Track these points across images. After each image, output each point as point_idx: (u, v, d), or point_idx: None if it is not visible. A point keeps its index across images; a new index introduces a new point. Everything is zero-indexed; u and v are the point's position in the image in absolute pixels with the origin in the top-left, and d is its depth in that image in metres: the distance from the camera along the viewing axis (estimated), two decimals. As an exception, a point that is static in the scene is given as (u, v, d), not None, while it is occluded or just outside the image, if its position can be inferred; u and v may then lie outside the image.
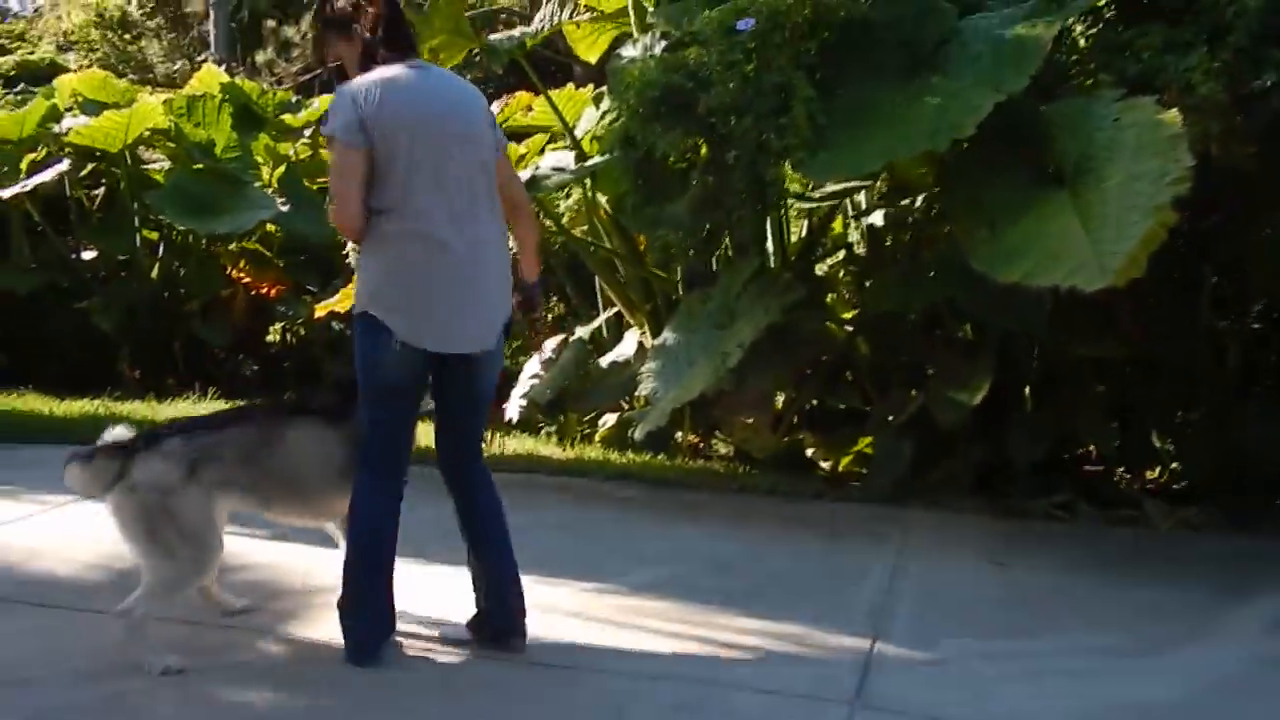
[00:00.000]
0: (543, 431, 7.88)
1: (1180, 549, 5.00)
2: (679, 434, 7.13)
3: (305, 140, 10.28)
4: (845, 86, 5.18)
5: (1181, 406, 6.06)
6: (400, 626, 3.44)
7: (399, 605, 3.41)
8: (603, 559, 4.46)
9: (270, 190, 9.55)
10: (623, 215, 7.26)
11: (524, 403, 7.11)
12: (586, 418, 7.73)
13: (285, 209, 9.21)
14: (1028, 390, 6.30)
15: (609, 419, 7.34)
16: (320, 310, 8.13)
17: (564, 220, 8.14)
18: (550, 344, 7.39)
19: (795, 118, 4.91)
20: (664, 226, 5.78)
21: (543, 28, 7.34)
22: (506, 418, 7.24)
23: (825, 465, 6.69)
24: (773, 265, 6.51)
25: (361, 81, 3.28)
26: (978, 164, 5.06)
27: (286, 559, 4.33)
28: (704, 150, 5.50)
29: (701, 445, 7.31)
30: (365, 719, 3.02)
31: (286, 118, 10.49)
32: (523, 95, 8.42)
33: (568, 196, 8.34)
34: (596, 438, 7.27)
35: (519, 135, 8.64)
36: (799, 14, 5.04)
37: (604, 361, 7.26)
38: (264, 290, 9.73)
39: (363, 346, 3.33)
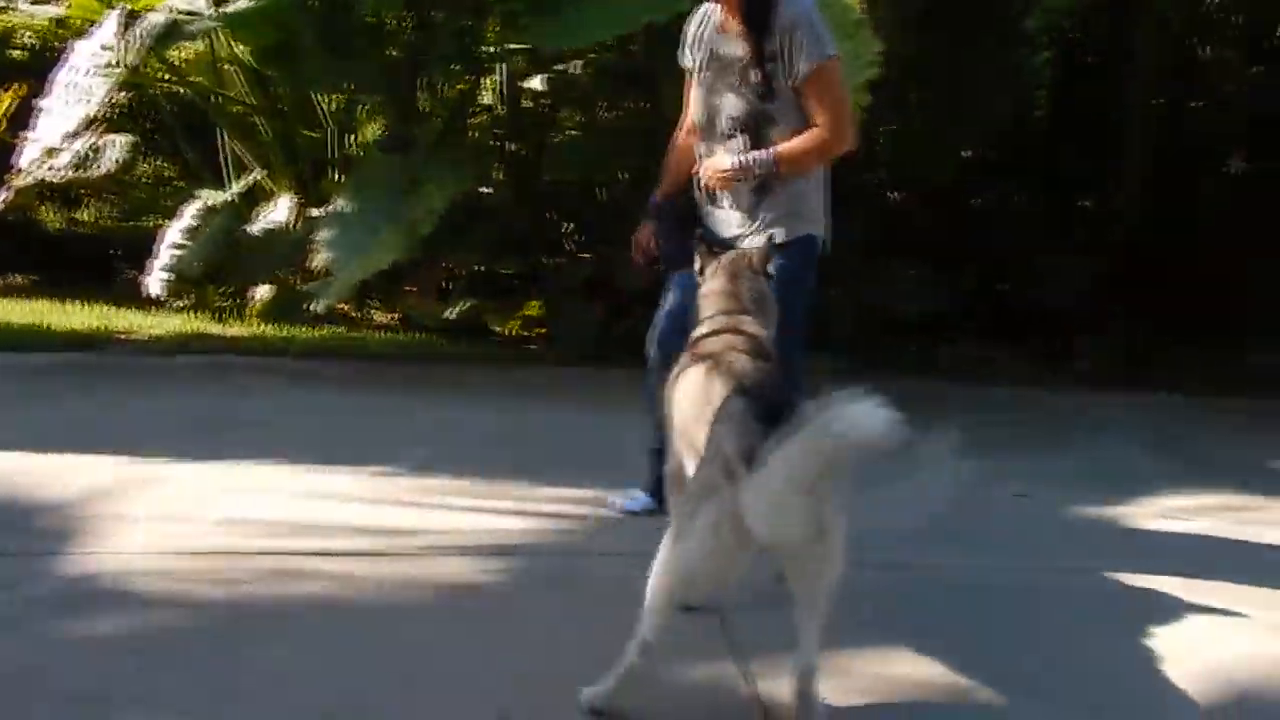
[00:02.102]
0: (169, 306, 7.16)
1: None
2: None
3: None
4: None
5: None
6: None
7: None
8: (366, 441, 4.29)
9: None
10: (271, 67, 6.72)
11: (167, 276, 6.48)
12: (227, 289, 7.19)
13: None
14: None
15: (263, 291, 6.88)
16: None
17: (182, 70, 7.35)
18: (190, 209, 6.74)
19: (517, -21, 4.81)
20: (353, 86, 5.43)
21: None
22: (147, 292, 6.58)
23: (499, 330, 6.78)
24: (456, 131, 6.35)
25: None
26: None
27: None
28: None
29: (359, 315, 7.11)
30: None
31: None
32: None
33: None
34: (251, 311, 6.79)
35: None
36: None
37: (254, 229, 6.75)
38: None
39: (808, 268, 3.12)
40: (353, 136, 7.28)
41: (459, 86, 6.82)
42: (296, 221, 6.77)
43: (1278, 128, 6.86)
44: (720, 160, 3.10)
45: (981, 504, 4.04)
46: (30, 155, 6.01)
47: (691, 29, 3.23)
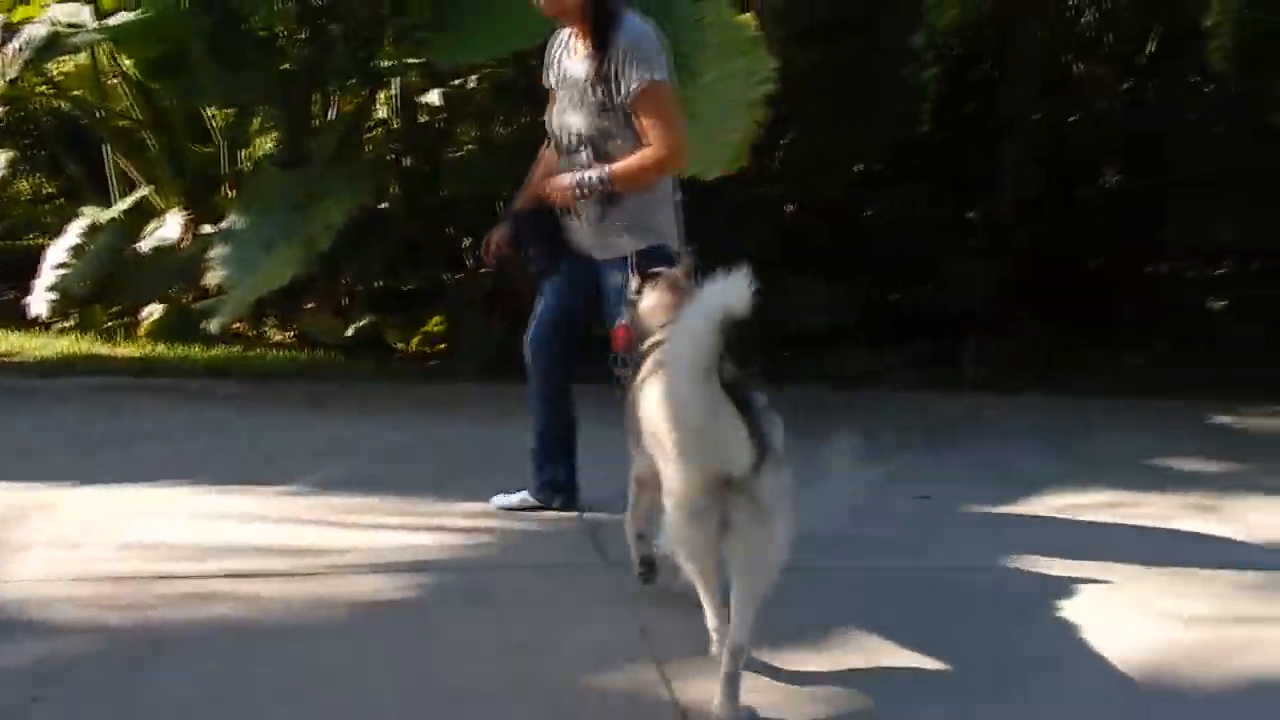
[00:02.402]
0: (54, 328, 6.93)
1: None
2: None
3: None
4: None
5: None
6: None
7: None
8: (265, 460, 4.21)
9: None
10: (158, 80, 6.55)
11: (53, 296, 6.28)
12: (113, 309, 6.98)
13: None
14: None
15: (153, 310, 6.69)
16: None
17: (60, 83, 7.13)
18: (75, 227, 6.54)
19: (413, -5, 4.80)
20: (247, 100, 5.34)
21: None
22: (31, 313, 6.36)
23: (400, 346, 6.71)
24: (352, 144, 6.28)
25: (649, 27, 3.23)
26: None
27: None
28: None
29: (255, 333, 6.97)
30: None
31: None
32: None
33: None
34: (142, 331, 6.59)
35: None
36: None
37: (144, 246, 6.57)
38: None
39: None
40: (243, 151, 7.15)
41: (354, 100, 6.76)
42: (186, 238, 6.62)
43: (1148, 143, 7.19)
44: (561, 178, 3.32)
45: (884, 507, 4.14)
46: (-99, 172, 5.75)
47: (551, 51, 3.44)
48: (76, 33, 6.11)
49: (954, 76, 6.26)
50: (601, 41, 3.20)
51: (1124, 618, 3.04)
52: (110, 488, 3.82)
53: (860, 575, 3.44)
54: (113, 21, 6.18)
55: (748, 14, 5.26)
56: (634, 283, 2.99)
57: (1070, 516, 4.12)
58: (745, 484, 2.28)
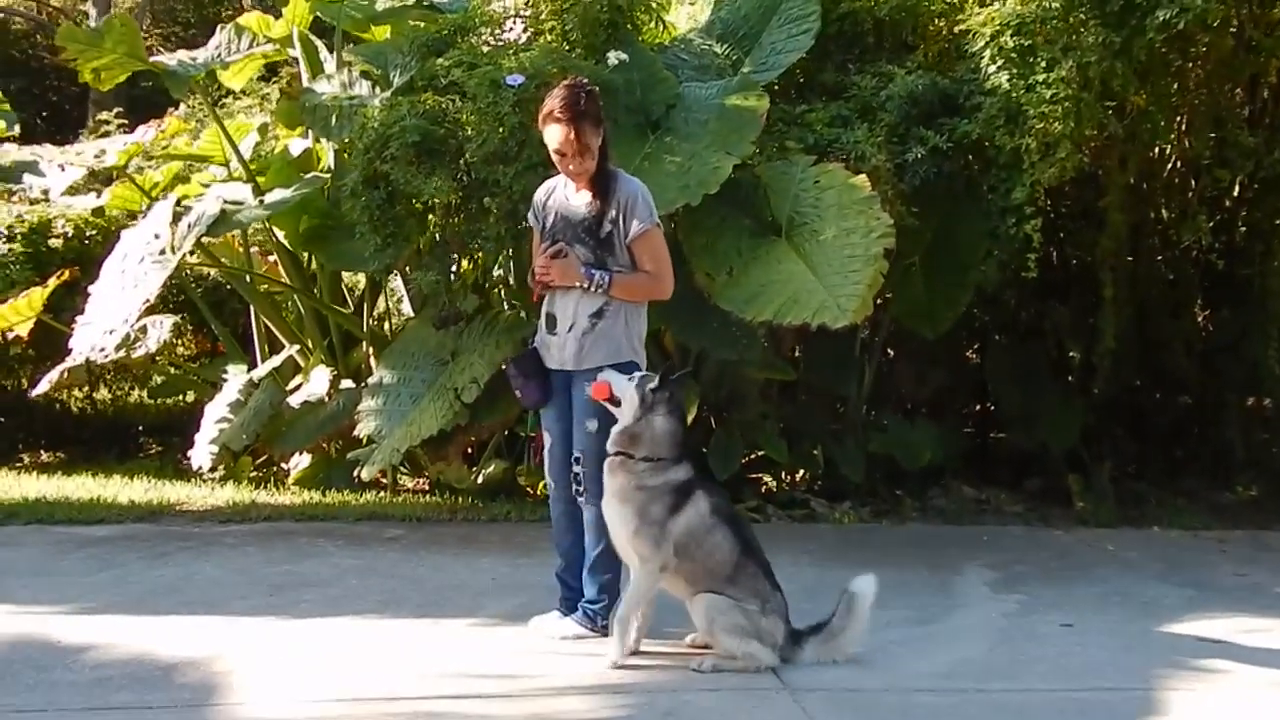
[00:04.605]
0: (205, 479, 7.37)
1: (869, 538, 6.04)
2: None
3: None
4: (592, 143, 5.66)
5: (832, 420, 7.21)
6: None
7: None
8: (442, 597, 4.55)
9: None
10: (311, 249, 7.18)
11: (214, 449, 6.76)
12: (261, 460, 7.45)
13: None
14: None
15: (301, 460, 7.15)
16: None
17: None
18: (234, 385, 7.07)
19: (564, 170, 5.33)
20: (417, 269, 5.92)
21: (219, 55, 7.02)
22: (195, 465, 6.84)
23: (530, 489, 7.07)
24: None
25: (640, 183, 4.10)
26: (709, 216, 5.76)
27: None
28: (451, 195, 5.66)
29: (388, 482, 7.36)
30: None
31: None
32: (176, 121, 7.91)
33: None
34: (290, 480, 7.04)
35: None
36: (559, 76, 5.45)
37: (294, 401, 7.08)
38: None
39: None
40: (377, 311, 7.68)
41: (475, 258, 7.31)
42: (331, 393, 7.10)
43: (1228, 280, 7.50)
44: (568, 262, 3.99)
45: (1028, 634, 4.37)
46: (87, 339, 6.30)
47: (540, 197, 4.24)
48: (240, 209, 6.74)
49: (1051, 226, 6.64)
50: (604, 193, 3.99)
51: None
52: (308, 621, 4.18)
53: (1006, 697, 3.68)
54: (272, 198, 6.82)
55: (862, 175, 5.70)
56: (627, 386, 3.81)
57: (1207, 638, 4.32)
58: None
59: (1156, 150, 7.03)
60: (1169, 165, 7.23)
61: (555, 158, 4.01)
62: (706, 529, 3.76)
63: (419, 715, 3.28)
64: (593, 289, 3.94)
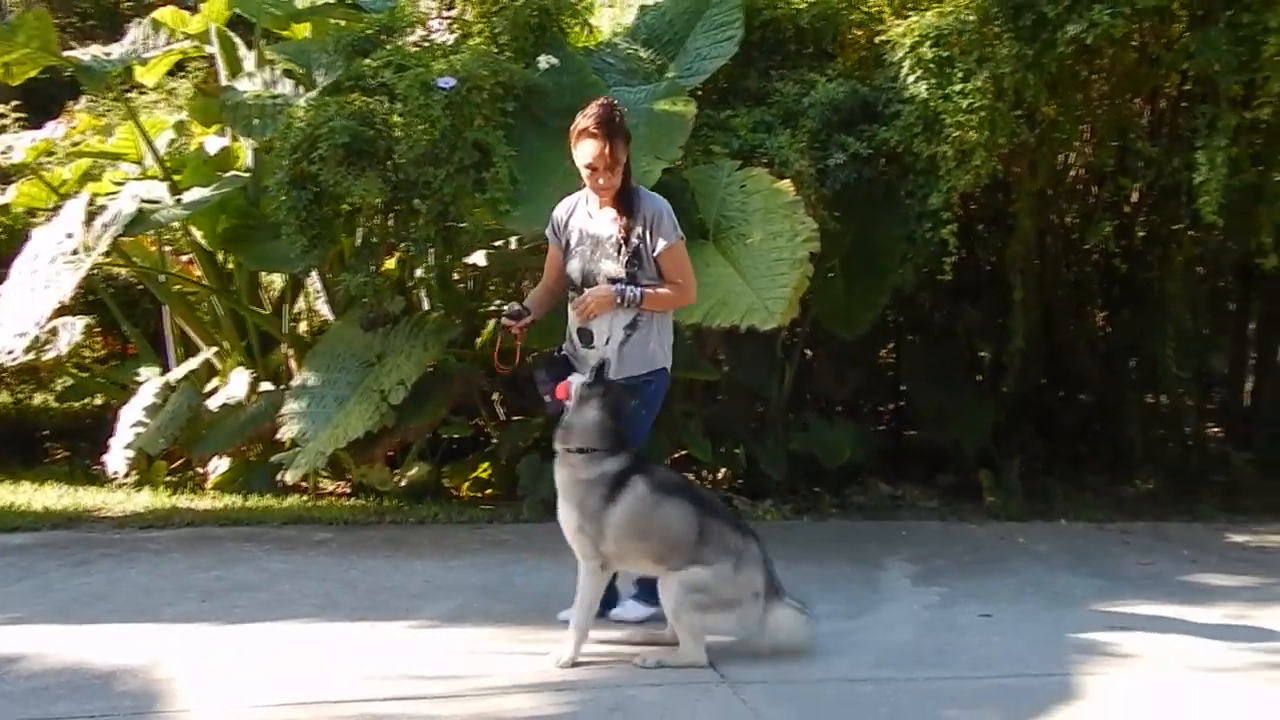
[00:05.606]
0: (119, 484, 7.19)
1: (791, 534, 6.17)
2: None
3: None
4: (523, 146, 5.69)
5: (754, 419, 7.35)
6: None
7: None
8: (377, 600, 4.54)
9: None
10: (231, 250, 7.07)
11: (130, 453, 6.62)
12: (177, 464, 7.31)
13: None
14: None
15: (219, 464, 7.03)
16: None
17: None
18: (150, 388, 6.93)
19: (498, 172, 5.36)
20: (343, 270, 5.87)
21: (136, 51, 6.87)
22: (110, 470, 6.69)
23: (455, 492, 7.07)
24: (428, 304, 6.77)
25: (663, 200, 4.19)
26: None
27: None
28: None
29: (309, 485, 7.29)
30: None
31: None
32: (87, 117, 7.70)
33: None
34: (209, 484, 6.92)
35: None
36: (490, 80, 5.49)
37: (213, 404, 6.96)
38: None
39: (660, 394, 4.20)
40: (295, 311, 7.59)
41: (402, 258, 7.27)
42: (250, 395, 7.00)
43: (1128, 283, 7.84)
44: (600, 289, 4.08)
45: (949, 624, 4.53)
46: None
47: (560, 214, 4.30)
48: (158, 209, 6.62)
49: (964, 231, 6.85)
50: (630, 210, 4.09)
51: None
52: (244, 626, 4.15)
53: (936, 685, 3.84)
54: (191, 197, 6.70)
55: (786, 180, 5.83)
56: None
57: (1116, 625, 4.53)
58: None
59: (1063, 158, 7.33)
60: (1074, 173, 7.53)
61: (585, 172, 4.08)
62: (650, 508, 3.83)
63: (366, 717, 3.29)
64: (625, 305, 4.06)
